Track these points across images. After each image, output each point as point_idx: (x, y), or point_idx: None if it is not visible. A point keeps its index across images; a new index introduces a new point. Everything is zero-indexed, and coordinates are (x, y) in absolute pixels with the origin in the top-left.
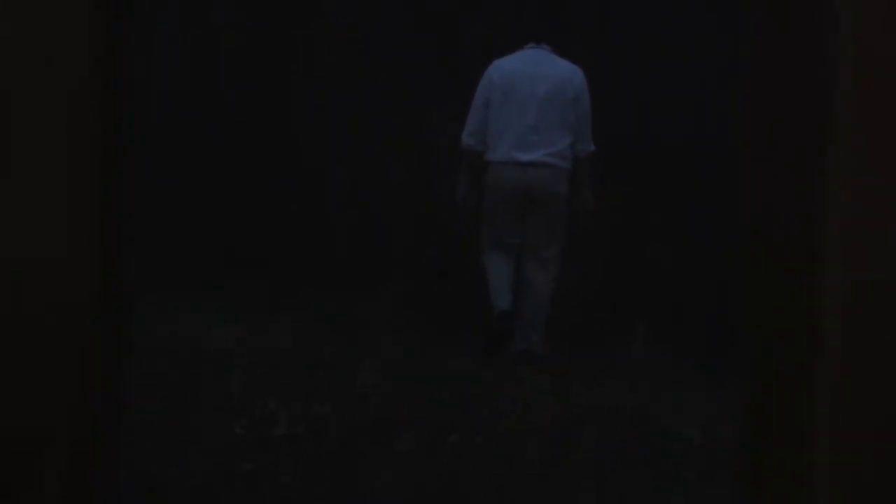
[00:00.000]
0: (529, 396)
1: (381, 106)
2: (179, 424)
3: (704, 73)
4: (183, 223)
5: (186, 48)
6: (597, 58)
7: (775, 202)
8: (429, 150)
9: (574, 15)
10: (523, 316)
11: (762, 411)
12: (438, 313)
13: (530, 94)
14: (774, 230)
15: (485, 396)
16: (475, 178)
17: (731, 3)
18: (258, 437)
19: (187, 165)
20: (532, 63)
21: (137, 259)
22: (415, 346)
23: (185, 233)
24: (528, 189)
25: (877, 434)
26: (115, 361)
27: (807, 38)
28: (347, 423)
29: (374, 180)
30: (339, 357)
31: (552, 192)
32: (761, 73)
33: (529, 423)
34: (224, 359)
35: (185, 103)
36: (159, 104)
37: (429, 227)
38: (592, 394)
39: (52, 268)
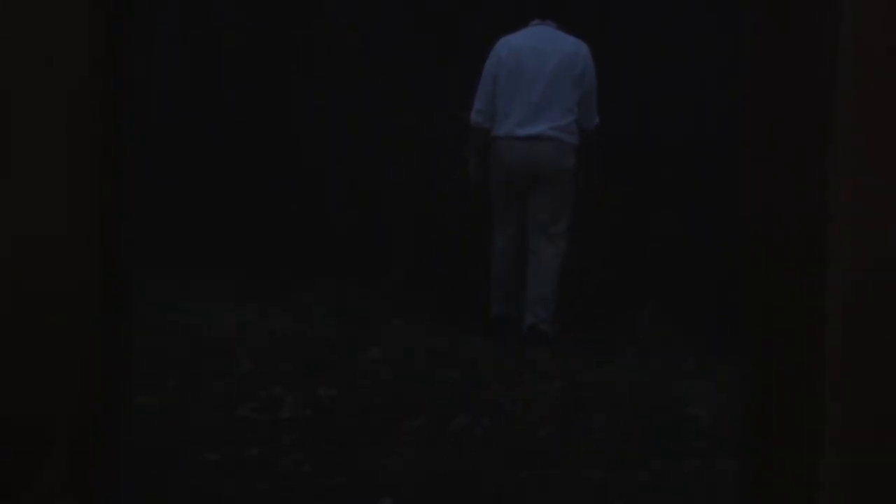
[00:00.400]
0: (536, 378)
1: (381, 106)
2: (185, 410)
3: (704, 73)
4: (184, 222)
5: (186, 48)
6: (597, 58)
7: (775, 202)
8: (429, 150)
9: (574, 15)
10: (532, 292)
11: (763, 411)
12: (444, 296)
13: (538, 70)
14: (775, 230)
15: (491, 379)
16: (484, 155)
17: (731, 3)
18: (265, 421)
19: (187, 165)
20: (538, 39)
21: (139, 253)
22: (420, 329)
23: (186, 228)
24: (532, 164)
25: (877, 434)
26: (115, 361)
27: (807, 38)
28: (354, 407)
29: (374, 180)
30: (345, 341)
31: (557, 166)
32: (761, 73)
33: (536, 405)
34: (229, 344)
35: (185, 103)
36: (159, 104)
37: (429, 226)
38: (599, 375)
39: (53, 267)
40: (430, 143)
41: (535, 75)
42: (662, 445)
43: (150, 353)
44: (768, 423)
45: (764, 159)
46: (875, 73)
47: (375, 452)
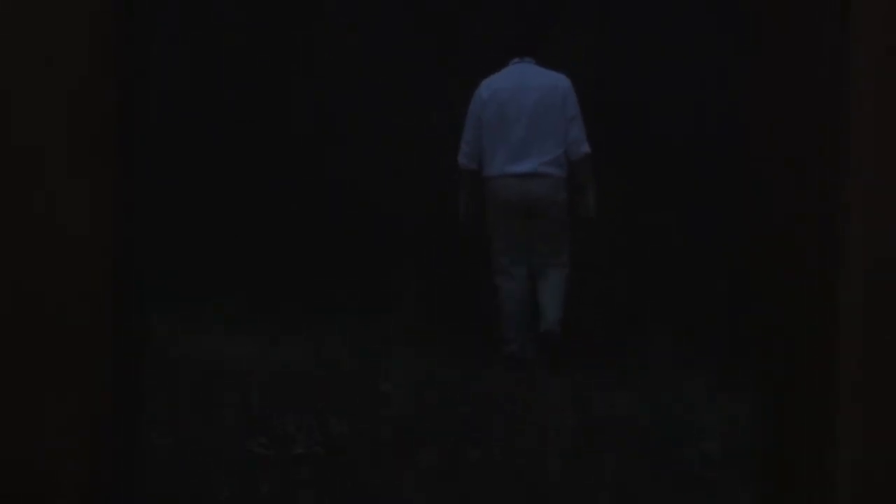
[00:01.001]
0: (549, 408)
1: (381, 106)
2: (195, 444)
3: (704, 73)
4: (185, 227)
5: (186, 48)
6: (597, 58)
7: (790, 206)
8: (429, 150)
9: (574, 15)
10: (542, 300)
11: (781, 424)
12: (454, 324)
13: (520, 107)
14: (789, 235)
15: (504, 409)
16: (475, 194)
17: (731, 3)
18: (276, 457)
19: (187, 165)
20: (518, 77)
21: (148, 279)
22: (431, 360)
23: (189, 240)
24: (526, 200)
25: (893, 450)
26: (125, 397)
27: (810, 41)
28: (366, 442)
29: (374, 180)
30: (356, 374)
31: (550, 200)
32: (771, 76)
33: (549, 437)
34: (240, 378)
35: (185, 103)
36: (159, 104)
37: (432, 226)
38: (611, 404)
39: (56, 275)
40: (430, 143)
41: (518, 113)
42: (674, 479)
43: (161, 387)
44: (782, 443)
45: (770, 163)
46: (876, 73)
47: (387, 488)
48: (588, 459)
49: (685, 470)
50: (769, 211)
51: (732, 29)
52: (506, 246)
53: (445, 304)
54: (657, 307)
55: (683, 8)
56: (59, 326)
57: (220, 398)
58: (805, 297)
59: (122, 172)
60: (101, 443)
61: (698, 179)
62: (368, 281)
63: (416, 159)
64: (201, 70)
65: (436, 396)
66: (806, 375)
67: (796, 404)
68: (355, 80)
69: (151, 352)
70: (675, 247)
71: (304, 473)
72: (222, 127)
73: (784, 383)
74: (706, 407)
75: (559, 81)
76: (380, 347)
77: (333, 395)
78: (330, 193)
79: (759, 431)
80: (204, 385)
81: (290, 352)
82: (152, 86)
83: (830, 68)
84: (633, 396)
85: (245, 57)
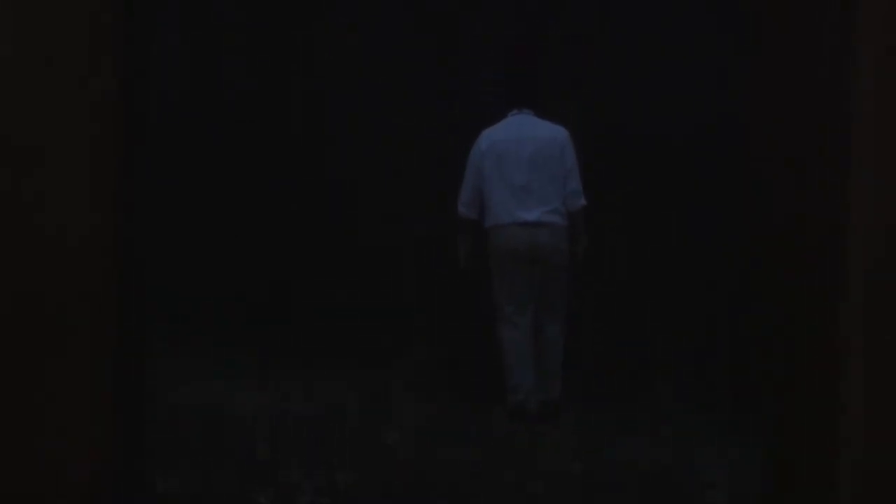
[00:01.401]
0: (553, 458)
1: (381, 106)
2: (200, 497)
3: (704, 73)
4: (184, 228)
5: (186, 48)
6: (597, 57)
7: (790, 206)
8: (429, 150)
9: (574, 15)
10: (542, 368)
11: (781, 424)
12: (459, 372)
13: (518, 158)
14: (789, 235)
15: (509, 459)
16: (474, 243)
17: (731, 3)
18: None
19: (187, 165)
20: (517, 128)
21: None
22: (438, 407)
23: (188, 241)
24: (531, 248)
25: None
26: (128, 399)
27: (814, 38)
28: (374, 493)
29: (374, 180)
30: (363, 423)
31: (554, 248)
32: (771, 76)
33: (556, 487)
34: (246, 426)
35: (185, 103)
36: (159, 104)
37: (434, 228)
38: (618, 455)
39: (56, 275)
40: (430, 143)
41: (516, 163)
42: None
43: (166, 436)
44: (782, 443)
45: (770, 163)
46: (876, 73)
47: None
48: None
49: None
50: (769, 211)
51: (732, 29)
52: (509, 294)
53: (450, 345)
54: (657, 309)
55: (683, 8)
56: (59, 326)
57: (226, 447)
58: (805, 297)
59: (122, 172)
60: (101, 443)
61: (698, 179)
62: (374, 322)
63: (416, 159)
64: (201, 70)
65: (443, 444)
66: (806, 376)
67: (797, 405)
68: (355, 80)
69: (158, 398)
70: (675, 247)
71: None
72: (222, 127)
73: (784, 383)
74: (712, 454)
75: (557, 133)
76: (386, 394)
77: (341, 444)
78: (330, 193)
79: (760, 433)
80: (210, 434)
81: (296, 399)
82: (152, 86)
83: (831, 68)
84: (640, 444)
85: (245, 57)
